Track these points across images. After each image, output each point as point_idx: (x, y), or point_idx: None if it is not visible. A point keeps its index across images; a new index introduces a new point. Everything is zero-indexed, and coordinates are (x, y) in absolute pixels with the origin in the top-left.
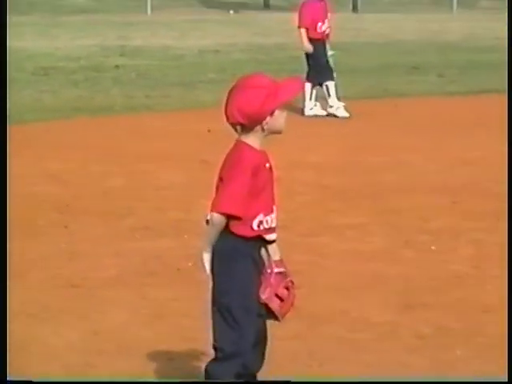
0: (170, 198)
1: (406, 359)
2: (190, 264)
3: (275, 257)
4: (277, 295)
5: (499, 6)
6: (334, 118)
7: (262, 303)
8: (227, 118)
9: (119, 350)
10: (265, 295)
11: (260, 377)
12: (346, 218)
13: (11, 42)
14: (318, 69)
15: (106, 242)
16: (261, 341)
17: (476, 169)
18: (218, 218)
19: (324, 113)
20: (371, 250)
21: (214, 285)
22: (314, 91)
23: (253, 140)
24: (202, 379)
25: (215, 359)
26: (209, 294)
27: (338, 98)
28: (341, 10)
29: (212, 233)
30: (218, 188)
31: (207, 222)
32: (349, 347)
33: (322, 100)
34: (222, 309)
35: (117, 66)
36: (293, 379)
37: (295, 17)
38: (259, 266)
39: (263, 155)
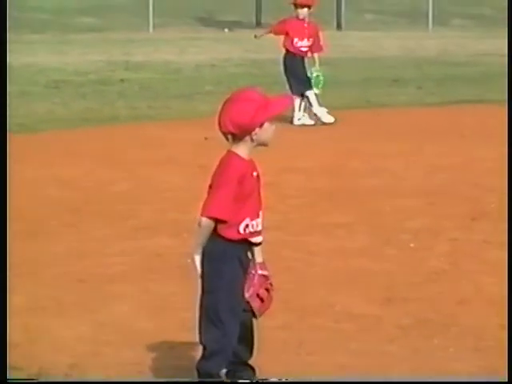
0: (171, 199)
1: (388, 348)
2: (188, 260)
3: (258, 259)
4: (258, 295)
5: (470, 25)
6: (320, 126)
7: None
8: (220, 127)
9: (124, 340)
10: (248, 294)
11: (252, 364)
12: (333, 219)
13: (26, 58)
14: (297, 80)
15: (112, 241)
16: (247, 332)
17: (451, 173)
18: (206, 222)
19: (312, 122)
20: (356, 247)
21: (202, 284)
22: (303, 103)
23: (242, 149)
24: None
25: (202, 357)
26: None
27: (320, 105)
28: (326, 27)
29: (201, 236)
30: (208, 193)
31: (199, 224)
32: (335, 337)
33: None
34: (208, 308)
35: (122, 80)
36: (283, 367)
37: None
38: (245, 267)
39: (250, 164)
